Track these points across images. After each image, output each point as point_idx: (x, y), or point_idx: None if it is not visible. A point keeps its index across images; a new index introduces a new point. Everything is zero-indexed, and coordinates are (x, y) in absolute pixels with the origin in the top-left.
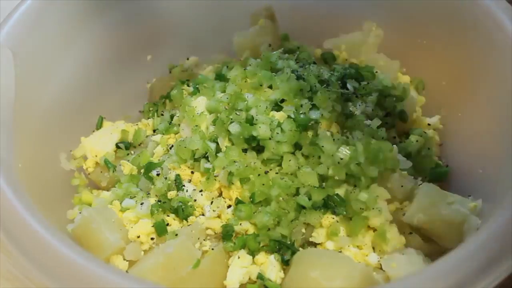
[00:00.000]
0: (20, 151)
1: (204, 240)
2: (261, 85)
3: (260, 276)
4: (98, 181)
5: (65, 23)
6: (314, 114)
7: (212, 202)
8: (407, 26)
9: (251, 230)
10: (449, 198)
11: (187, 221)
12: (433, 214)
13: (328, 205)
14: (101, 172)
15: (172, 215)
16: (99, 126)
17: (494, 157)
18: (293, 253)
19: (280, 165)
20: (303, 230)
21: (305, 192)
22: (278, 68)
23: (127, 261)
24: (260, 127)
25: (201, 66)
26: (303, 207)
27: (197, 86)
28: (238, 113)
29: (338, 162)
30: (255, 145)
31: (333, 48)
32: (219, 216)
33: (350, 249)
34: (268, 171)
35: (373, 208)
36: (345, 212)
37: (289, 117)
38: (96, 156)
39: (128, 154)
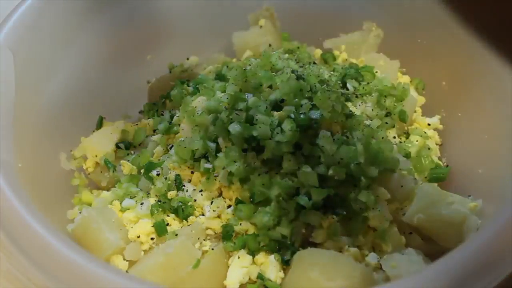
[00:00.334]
0: (20, 151)
1: (204, 240)
2: (261, 85)
3: (260, 276)
4: (98, 181)
5: (65, 23)
6: (314, 114)
7: (212, 202)
8: (407, 26)
9: (251, 230)
10: (449, 198)
11: (187, 221)
12: (433, 214)
13: (328, 205)
14: (101, 172)
15: (172, 215)
16: (99, 126)
17: (494, 157)
18: (293, 253)
19: (280, 165)
20: (303, 230)
21: (305, 192)
22: (278, 68)
23: (127, 261)
24: (260, 127)
25: (201, 66)
26: (303, 207)
27: (197, 86)
28: (238, 113)
29: (338, 162)
30: (255, 145)
31: (333, 48)
32: (219, 216)
33: (350, 249)
34: (268, 171)
35: (373, 208)
36: (345, 212)
37: (289, 117)
38: (96, 156)
39: (128, 154)
